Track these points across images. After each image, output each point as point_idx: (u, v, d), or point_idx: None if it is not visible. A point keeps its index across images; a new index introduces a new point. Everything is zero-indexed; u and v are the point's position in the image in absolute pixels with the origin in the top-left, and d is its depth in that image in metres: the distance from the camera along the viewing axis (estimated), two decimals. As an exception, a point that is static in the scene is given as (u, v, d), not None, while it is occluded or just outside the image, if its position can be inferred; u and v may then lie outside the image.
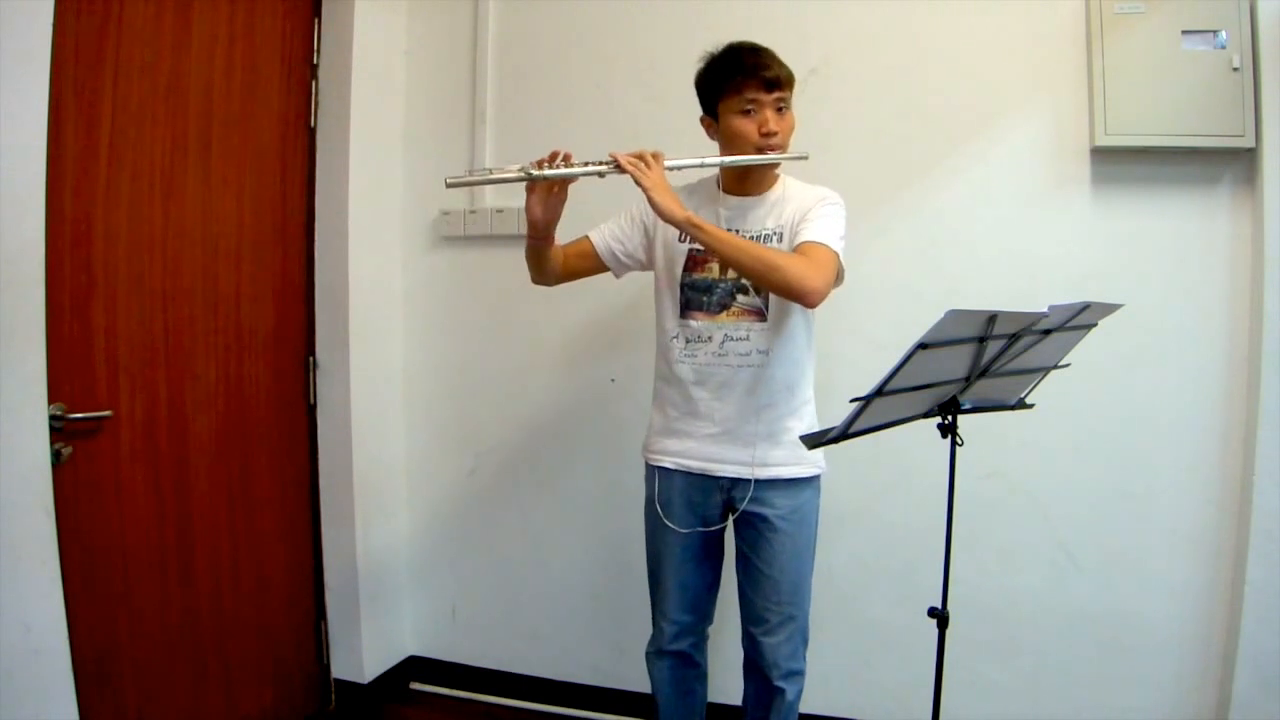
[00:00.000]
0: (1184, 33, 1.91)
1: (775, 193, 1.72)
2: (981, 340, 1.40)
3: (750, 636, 1.78)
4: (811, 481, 1.74)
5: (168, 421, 1.95)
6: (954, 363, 1.43)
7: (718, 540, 1.81)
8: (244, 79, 2.13)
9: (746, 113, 1.62)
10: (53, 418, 1.59)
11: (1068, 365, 1.64)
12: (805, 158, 1.68)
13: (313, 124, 2.36)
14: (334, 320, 2.39)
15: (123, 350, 1.84)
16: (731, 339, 1.68)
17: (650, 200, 1.54)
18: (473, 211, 2.48)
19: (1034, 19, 2.07)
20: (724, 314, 1.68)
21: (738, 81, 1.61)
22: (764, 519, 1.70)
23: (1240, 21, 1.89)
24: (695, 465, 1.74)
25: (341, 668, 2.46)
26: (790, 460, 1.70)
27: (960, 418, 1.54)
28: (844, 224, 1.66)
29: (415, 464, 2.62)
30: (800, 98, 2.20)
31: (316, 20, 2.35)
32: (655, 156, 1.56)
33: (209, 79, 2.03)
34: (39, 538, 1.53)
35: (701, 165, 1.65)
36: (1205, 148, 1.93)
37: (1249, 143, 1.89)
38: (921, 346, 1.30)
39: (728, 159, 1.65)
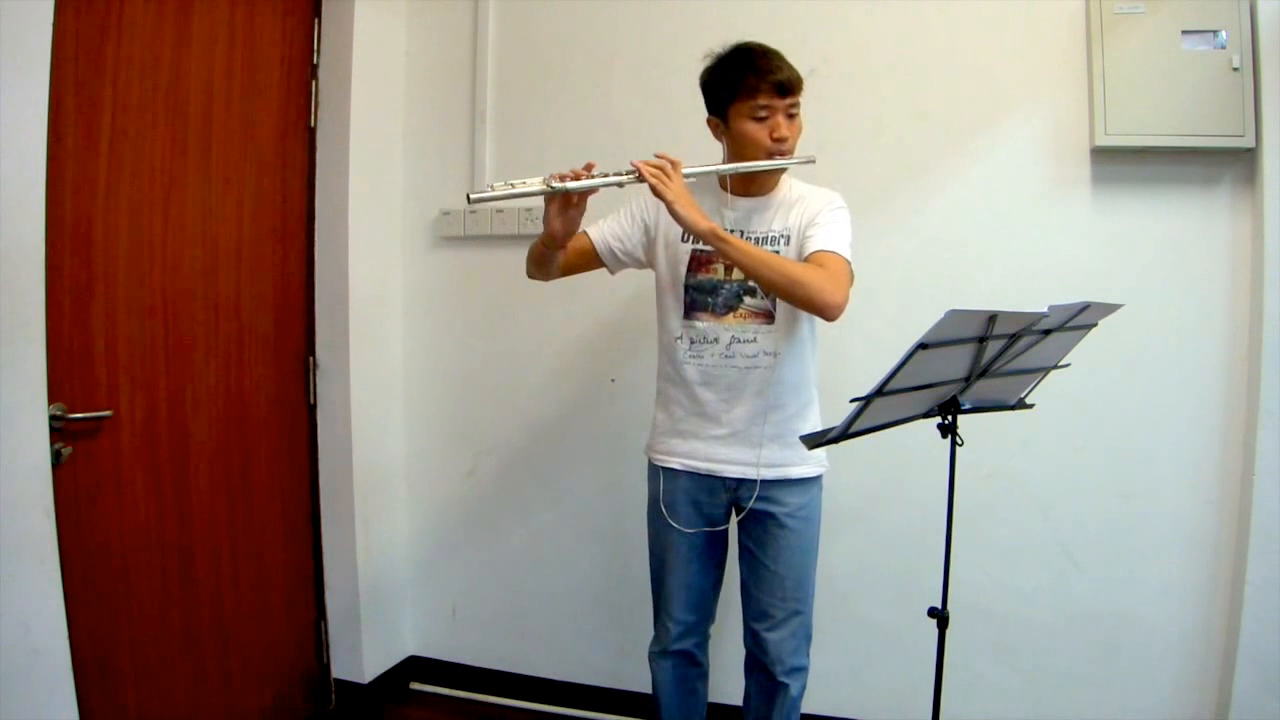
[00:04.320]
0: (1184, 33, 1.91)
1: (781, 194, 1.73)
2: (981, 340, 1.40)
3: (754, 633, 1.78)
4: (816, 480, 1.76)
5: (168, 421, 1.95)
6: (954, 363, 1.43)
7: (722, 540, 1.82)
8: (244, 79, 2.13)
9: (760, 119, 1.61)
10: (53, 418, 1.59)
11: (1068, 365, 1.64)
12: (813, 161, 1.68)
13: (313, 124, 2.36)
14: (334, 320, 2.39)
15: (123, 350, 1.84)
16: (739, 341, 1.68)
17: (674, 213, 1.54)
18: (473, 212, 2.48)
19: (1034, 19, 2.07)
20: (730, 315, 1.68)
21: (750, 85, 1.60)
22: (772, 516, 1.71)
23: (1240, 21, 1.89)
24: (702, 466, 1.74)
25: (341, 668, 2.46)
26: (797, 460, 1.71)
27: (960, 418, 1.54)
28: (850, 230, 1.67)
29: (415, 464, 2.62)
30: (800, 97, 2.22)
31: (316, 20, 2.35)
32: (675, 165, 1.56)
33: (209, 79, 2.03)
34: (39, 538, 1.53)
35: (716, 172, 1.65)
36: (1205, 148, 1.93)
37: (1249, 143, 1.89)
38: (921, 346, 1.30)
39: (740, 165, 1.65)
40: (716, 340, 1.69)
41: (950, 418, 1.54)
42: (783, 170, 1.71)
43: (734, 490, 1.74)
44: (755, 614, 1.77)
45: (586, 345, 2.43)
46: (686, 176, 1.57)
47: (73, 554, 1.63)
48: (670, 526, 1.77)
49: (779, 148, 1.63)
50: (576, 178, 1.54)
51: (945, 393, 1.51)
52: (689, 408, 1.74)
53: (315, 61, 2.35)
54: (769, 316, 1.68)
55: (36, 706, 1.52)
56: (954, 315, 1.30)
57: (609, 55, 2.38)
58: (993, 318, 1.36)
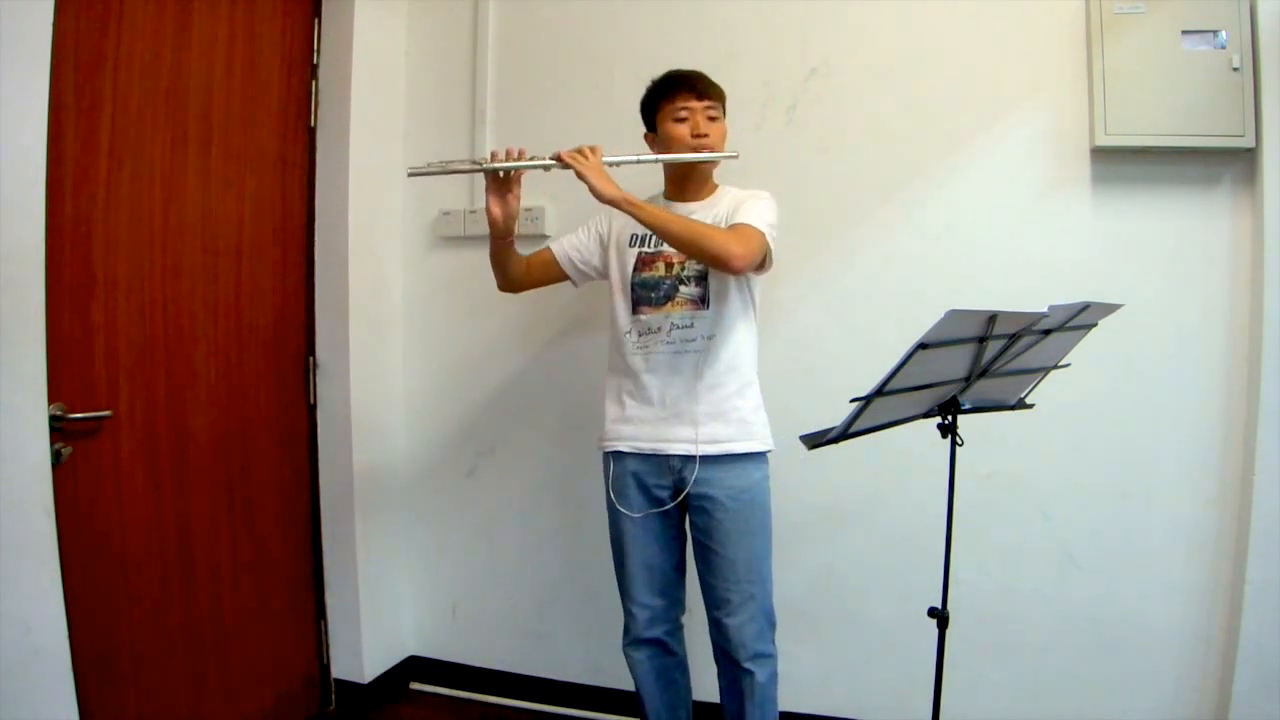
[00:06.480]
0: (1184, 33, 1.91)
1: (715, 197, 1.87)
2: (981, 340, 1.40)
3: (715, 622, 1.83)
4: (759, 460, 1.81)
5: (168, 421, 1.95)
6: (954, 363, 1.43)
7: (675, 522, 1.88)
8: (244, 79, 2.13)
9: (681, 119, 1.80)
10: (53, 418, 1.59)
11: (1068, 365, 1.64)
12: (735, 156, 1.82)
13: (313, 124, 2.36)
14: (334, 320, 2.39)
15: (123, 350, 1.84)
16: (678, 327, 1.80)
17: (589, 184, 1.66)
18: (473, 211, 2.48)
19: (1034, 19, 2.07)
20: (670, 305, 1.81)
21: (672, 93, 1.81)
22: (713, 499, 1.77)
23: (1240, 21, 1.89)
24: (647, 446, 1.82)
25: (341, 668, 2.46)
26: (737, 436, 1.78)
27: (960, 418, 1.54)
28: (774, 215, 1.78)
29: (415, 464, 2.62)
30: (801, 97, 2.23)
31: (316, 20, 2.35)
32: (594, 150, 1.71)
33: (209, 79, 2.03)
34: (39, 538, 1.53)
35: (638, 161, 1.78)
36: (1205, 148, 1.93)
37: (1249, 143, 1.89)
38: (921, 346, 1.30)
39: (663, 156, 1.81)
40: (660, 329, 1.81)
41: (950, 418, 1.54)
42: (714, 167, 1.85)
43: (678, 471, 1.80)
44: (714, 601, 1.82)
45: (586, 345, 2.43)
46: (609, 164, 1.71)
47: (73, 554, 1.63)
48: (621, 512, 1.85)
49: (699, 143, 1.79)
50: (507, 158, 1.71)
51: (945, 393, 1.51)
52: (636, 395, 1.84)
53: (315, 61, 2.35)
54: (703, 303, 1.79)
55: (36, 706, 1.52)
56: (954, 315, 1.30)
57: (609, 55, 2.38)
58: (993, 318, 1.36)
